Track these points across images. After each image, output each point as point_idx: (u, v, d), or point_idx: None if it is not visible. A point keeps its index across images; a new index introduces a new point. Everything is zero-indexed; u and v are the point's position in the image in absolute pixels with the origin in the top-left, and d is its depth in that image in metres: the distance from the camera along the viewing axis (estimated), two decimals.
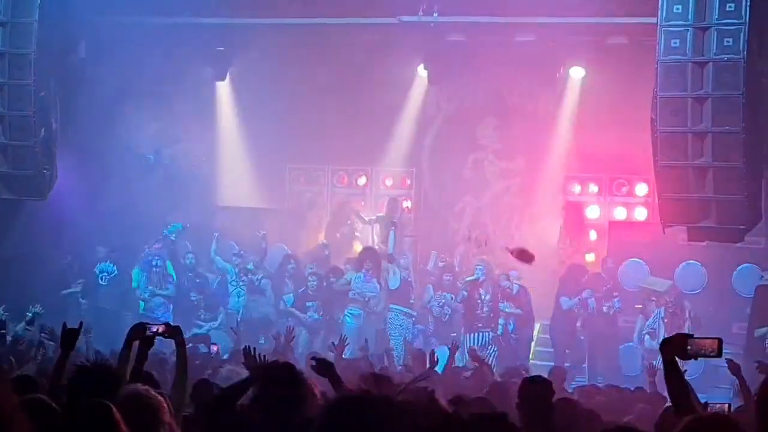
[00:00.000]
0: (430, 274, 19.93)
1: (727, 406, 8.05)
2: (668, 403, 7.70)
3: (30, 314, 15.99)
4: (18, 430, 3.71)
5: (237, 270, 19.82)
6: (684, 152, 15.15)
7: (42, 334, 14.91)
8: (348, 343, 13.79)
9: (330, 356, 15.69)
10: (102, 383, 6.01)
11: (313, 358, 8.01)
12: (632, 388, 13.18)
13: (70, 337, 7.54)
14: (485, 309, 18.51)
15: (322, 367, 7.65)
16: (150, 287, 19.58)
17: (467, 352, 18.16)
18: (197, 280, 19.87)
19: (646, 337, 17.87)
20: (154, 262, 19.63)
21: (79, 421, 5.09)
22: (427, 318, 19.19)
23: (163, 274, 19.67)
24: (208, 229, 20.62)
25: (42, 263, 18.77)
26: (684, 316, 17.72)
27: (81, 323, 7.95)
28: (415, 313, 19.10)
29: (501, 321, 18.58)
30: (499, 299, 18.60)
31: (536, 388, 7.96)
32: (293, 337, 13.40)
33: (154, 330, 7.73)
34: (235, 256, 20.06)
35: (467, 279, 18.77)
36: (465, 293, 18.60)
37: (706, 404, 8.21)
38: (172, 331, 7.72)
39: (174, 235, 20.18)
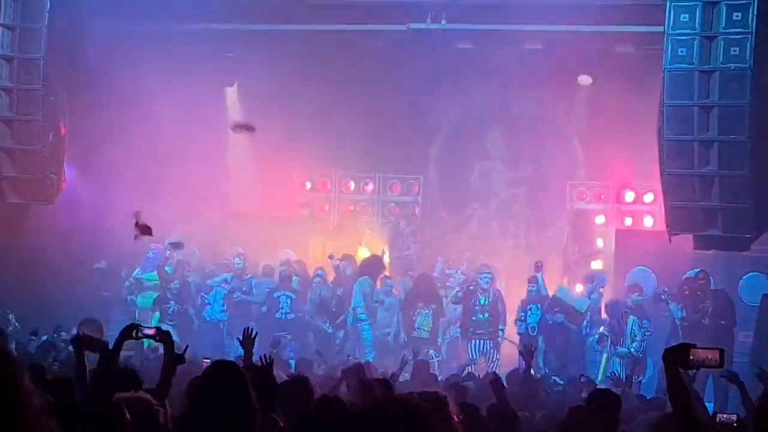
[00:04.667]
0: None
1: (735, 416, 8.01)
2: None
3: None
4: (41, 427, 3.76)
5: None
6: (690, 161, 15.19)
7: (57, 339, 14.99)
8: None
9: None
10: (122, 384, 6.19)
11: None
12: None
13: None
14: (485, 315, 18.45)
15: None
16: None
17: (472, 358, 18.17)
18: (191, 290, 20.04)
19: None
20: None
21: (94, 418, 5.18)
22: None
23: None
24: (217, 236, 20.67)
25: (49, 267, 18.81)
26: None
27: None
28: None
29: (501, 327, 18.51)
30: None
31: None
32: (278, 344, 13.74)
33: (146, 332, 7.84)
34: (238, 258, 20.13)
35: (467, 287, 18.77)
36: (460, 294, 18.60)
37: (714, 415, 8.20)
38: (162, 336, 7.84)
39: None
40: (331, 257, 20.20)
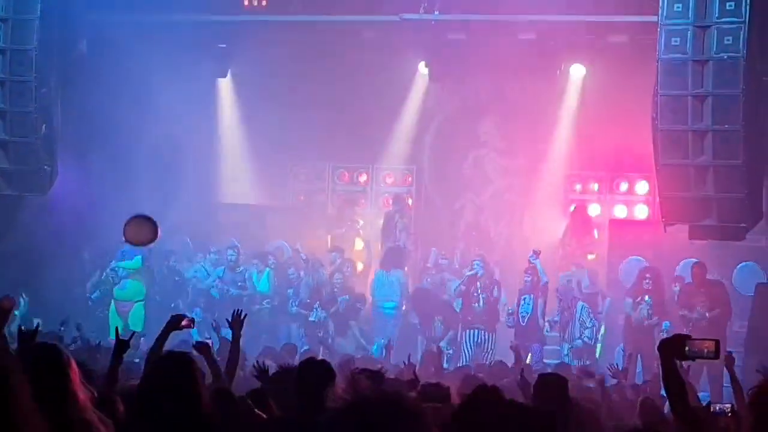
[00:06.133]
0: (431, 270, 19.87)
1: (729, 406, 8.01)
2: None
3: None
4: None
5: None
6: (685, 150, 15.18)
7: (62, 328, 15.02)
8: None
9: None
10: None
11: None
12: None
13: (122, 346, 7.56)
14: (481, 304, 18.42)
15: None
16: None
17: (466, 348, 18.14)
18: (176, 278, 19.89)
19: None
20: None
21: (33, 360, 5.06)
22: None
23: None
24: (209, 226, 20.65)
25: (43, 259, 18.79)
26: None
27: (133, 333, 8.46)
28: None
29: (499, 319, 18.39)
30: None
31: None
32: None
33: (183, 323, 8.06)
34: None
35: (467, 274, 18.71)
36: (462, 287, 18.55)
37: (708, 405, 8.20)
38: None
39: None
40: (296, 251, 20.08)
